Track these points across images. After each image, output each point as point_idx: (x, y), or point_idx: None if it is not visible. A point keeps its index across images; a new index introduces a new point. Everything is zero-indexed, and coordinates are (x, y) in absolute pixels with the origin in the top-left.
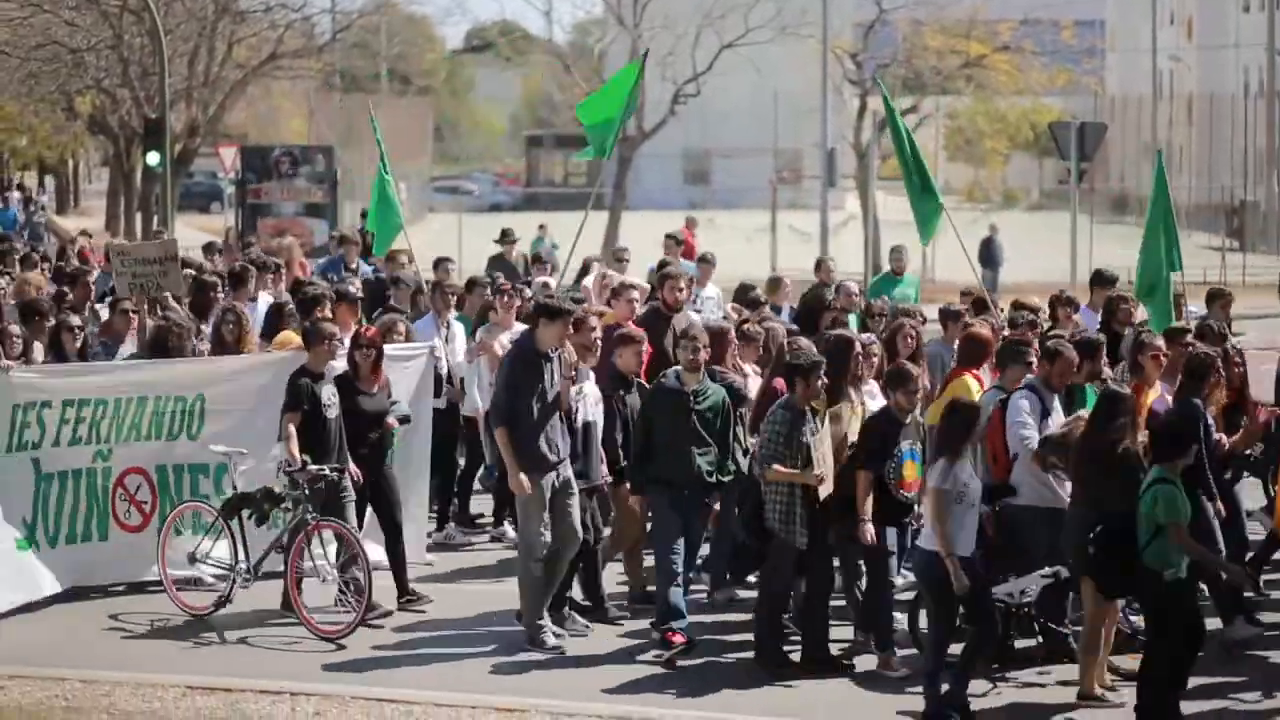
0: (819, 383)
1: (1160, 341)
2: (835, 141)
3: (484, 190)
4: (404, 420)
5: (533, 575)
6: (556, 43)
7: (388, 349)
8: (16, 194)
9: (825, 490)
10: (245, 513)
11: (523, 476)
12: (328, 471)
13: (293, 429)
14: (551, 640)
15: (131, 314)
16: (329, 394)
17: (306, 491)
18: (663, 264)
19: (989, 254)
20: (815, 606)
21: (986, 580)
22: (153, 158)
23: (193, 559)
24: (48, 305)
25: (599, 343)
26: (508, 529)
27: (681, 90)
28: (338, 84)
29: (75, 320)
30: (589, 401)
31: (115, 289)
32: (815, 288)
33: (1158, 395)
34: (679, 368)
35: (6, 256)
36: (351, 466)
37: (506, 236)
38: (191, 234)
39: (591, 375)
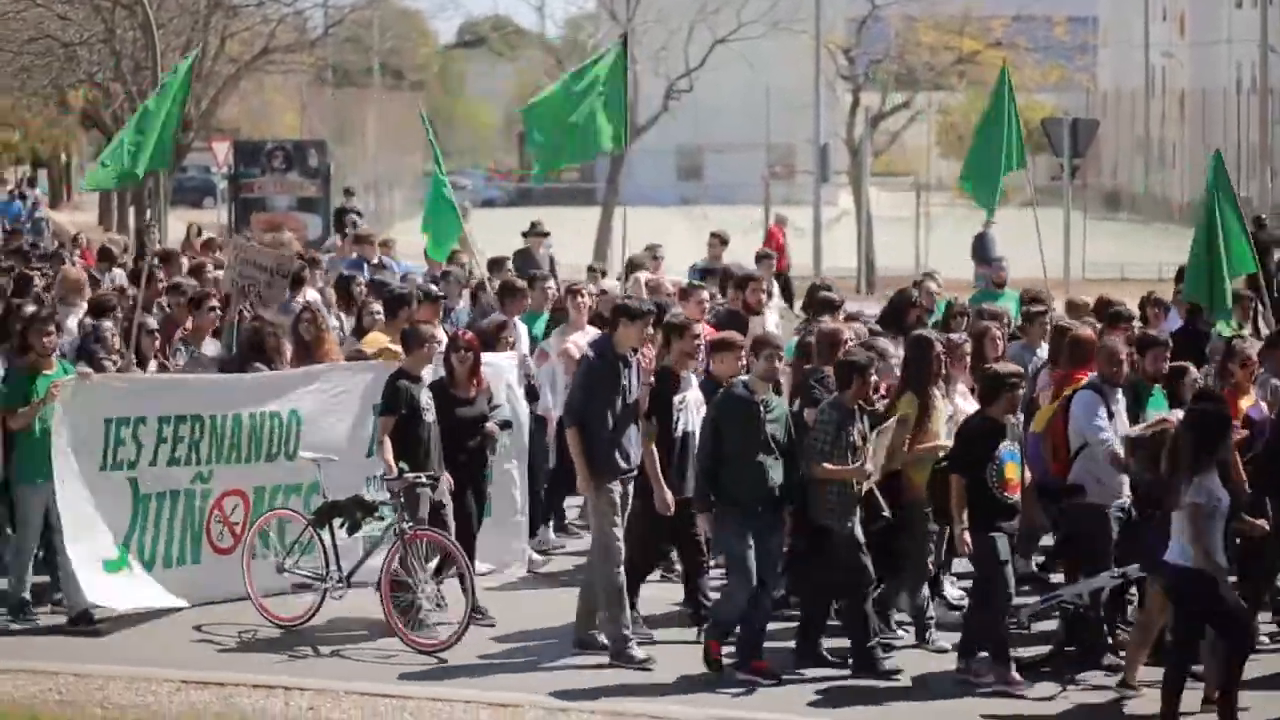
0: (871, 381)
1: (1252, 350)
2: (828, 137)
3: (476, 186)
4: (505, 425)
5: (614, 584)
6: (549, 38)
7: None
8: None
9: (868, 485)
10: (337, 521)
11: (593, 480)
12: (424, 479)
13: (388, 435)
14: (639, 653)
15: (216, 314)
16: (427, 398)
17: (403, 499)
18: (752, 265)
19: (982, 250)
20: (857, 604)
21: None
22: None
23: (280, 569)
24: (116, 301)
25: (701, 349)
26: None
27: (674, 86)
28: (330, 79)
29: (152, 321)
30: (690, 410)
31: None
32: (904, 288)
33: (1252, 403)
34: (749, 376)
35: (19, 252)
36: (445, 475)
37: (535, 229)
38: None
39: (695, 383)
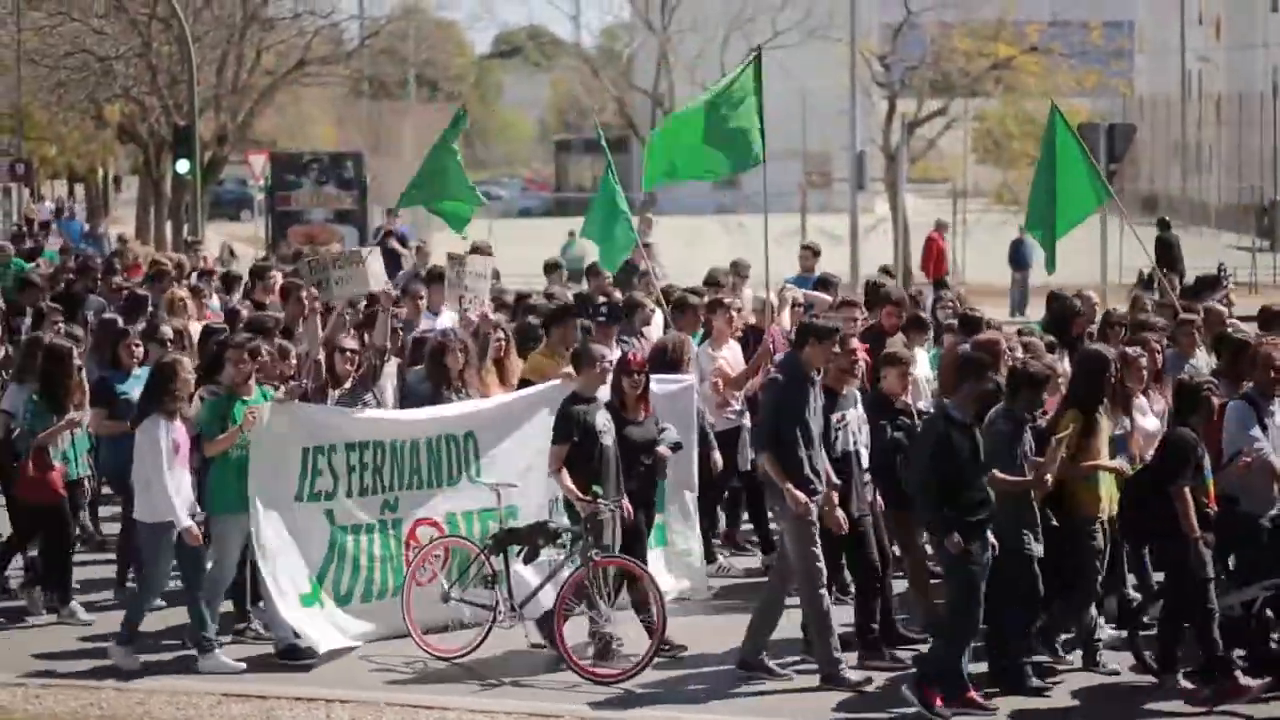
0: (1042, 395)
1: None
2: (864, 144)
3: (512, 195)
4: (676, 448)
5: (819, 607)
6: (584, 47)
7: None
8: (49, 204)
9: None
10: (513, 549)
11: (799, 495)
12: (608, 504)
13: (558, 465)
14: (854, 676)
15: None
16: (603, 420)
17: (587, 526)
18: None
19: (1019, 255)
20: (1024, 621)
21: None
22: (182, 165)
23: (446, 598)
24: (273, 322)
25: (860, 366)
26: None
27: None
28: (366, 91)
29: (351, 342)
30: (851, 429)
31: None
32: (1063, 298)
33: None
34: (955, 399)
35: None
36: (625, 502)
37: None
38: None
39: (859, 400)
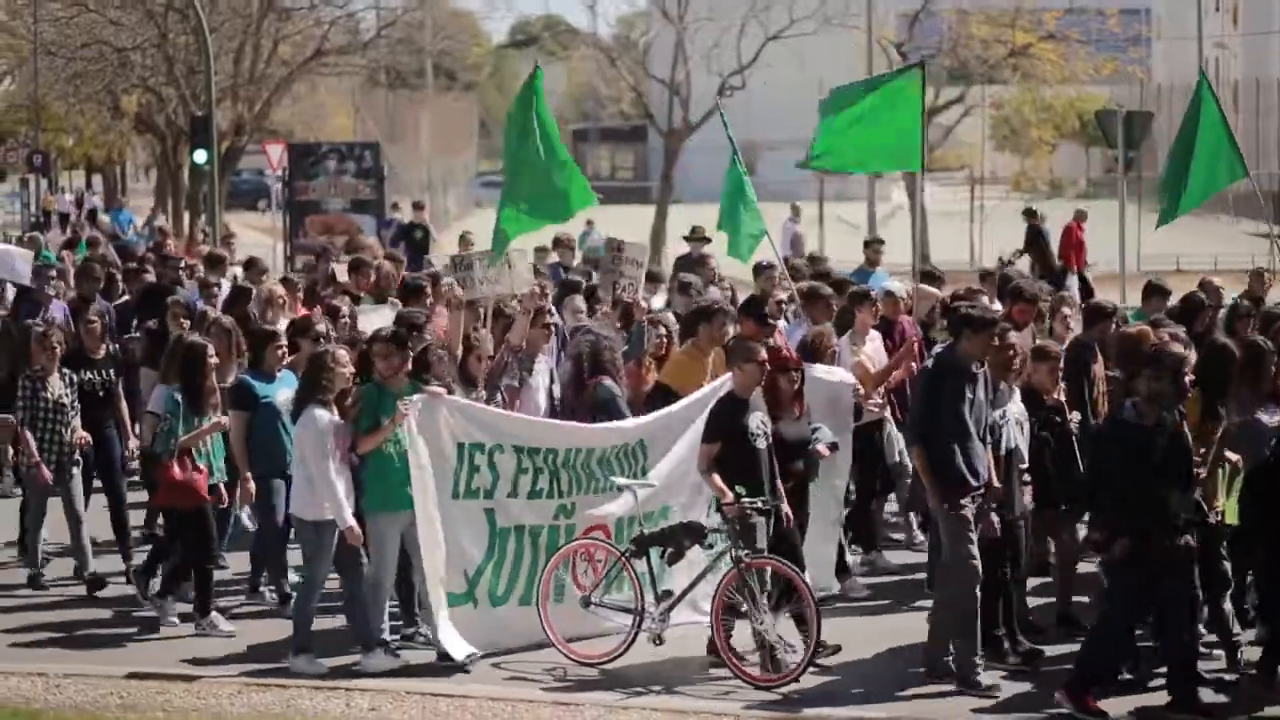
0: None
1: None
2: None
3: None
4: (833, 448)
5: (967, 606)
6: (601, 36)
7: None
8: (68, 196)
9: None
10: (656, 551)
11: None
12: (760, 505)
13: (712, 462)
14: (986, 680)
15: (549, 325)
16: (757, 421)
17: (737, 527)
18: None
19: (1037, 243)
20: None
21: None
22: (200, 156)
23: (587, 602)
24: (423, 319)
25: (1019, 360)
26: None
27: (727, 82)
28: (383, 80)
29: (487, 344)
30: (1011, 425)
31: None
32: (1193, 291)
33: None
34: (1136, 398)
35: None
36: (783, 503)
37: (696, 233)
38: (240, 232)
39: (1018, 394)
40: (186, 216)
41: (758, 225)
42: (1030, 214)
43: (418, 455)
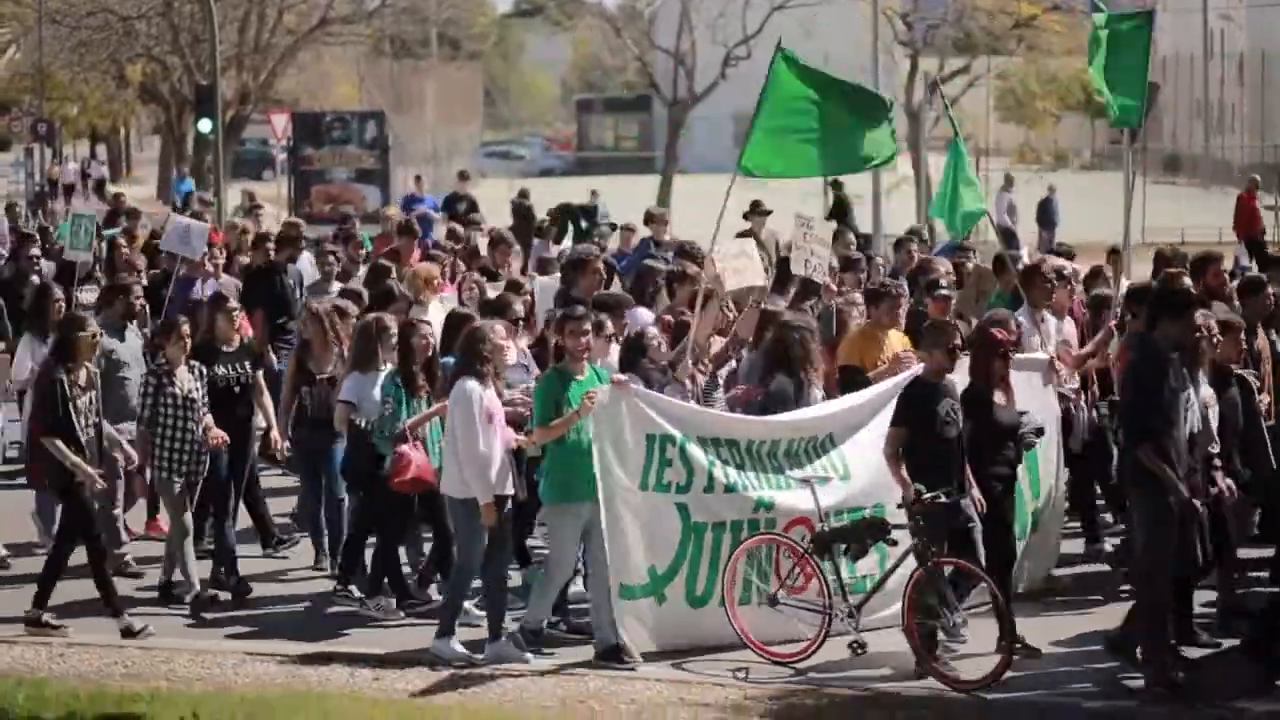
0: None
1: None
2: None
3: (534, 155)
4: (1039, 433)
5: (1158, 599)
6: (606, 6)
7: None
8: (73, 165)
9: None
10: (840, 548)
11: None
12: (943, 498)
13: (893, 450)
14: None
15: (726, 314)
16: (947, 408)
17: (921, 522)
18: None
19: (1046, 214)
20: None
21: None
22: (204, 125)
23: (773, 601)
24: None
25: (1206, 342)
26: None
27: (732, 53)
28: (388, 49)
29: (653, 331)
30: (1194, 408)
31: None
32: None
33: None
34: None
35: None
36: (975, 492)
37: (757, 208)
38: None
39: (1204, 377)
40: (192, 184)
41: (978, 204)
42: (837, 185)
43: (604, 446)
